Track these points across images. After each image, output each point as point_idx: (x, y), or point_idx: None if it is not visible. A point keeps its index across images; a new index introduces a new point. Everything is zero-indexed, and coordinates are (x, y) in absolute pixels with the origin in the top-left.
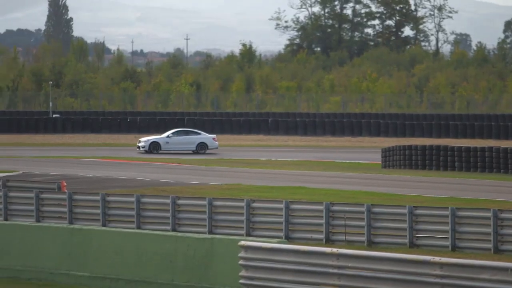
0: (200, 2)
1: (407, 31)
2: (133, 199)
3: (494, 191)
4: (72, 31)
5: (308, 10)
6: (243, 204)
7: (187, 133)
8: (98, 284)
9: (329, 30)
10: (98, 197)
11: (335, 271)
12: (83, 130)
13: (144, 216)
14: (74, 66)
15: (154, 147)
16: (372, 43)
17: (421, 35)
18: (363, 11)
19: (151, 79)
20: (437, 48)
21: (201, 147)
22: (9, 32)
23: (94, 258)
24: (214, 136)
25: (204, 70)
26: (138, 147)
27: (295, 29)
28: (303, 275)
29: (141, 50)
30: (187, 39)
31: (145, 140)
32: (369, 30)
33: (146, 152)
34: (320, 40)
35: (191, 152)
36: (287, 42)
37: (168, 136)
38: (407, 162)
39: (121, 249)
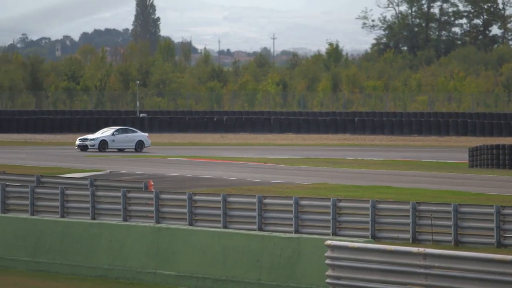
0: (287, 1)
1: (495, 30)
2: (219, 198)
3: None
4: (159, 31)
5: (395, 9)
6: (329, 203)
7: (126, 131)
8: (185, 283)
9: (416, 29)
10: (185, 196)
11: (422, 270)
12: (170, 130)
13: (231, 216)
14: (161, 66)
15: (102, 145)
16: (459, 42)
17: (509, 33)
18: (450, 10)
19: (237, 79)
20: None
21: (139, 145)
22: (97, 32)
23: (181, 257)
24: (147, 134)
25: (291, 69)
26: (81, 145)
27: (382, 28)
28: (390, 274)
29: (228, 50)
30: (273, 38)
31: (92, 138)
32: (457, 29)
33: (95, 150)
34: (407, 39)
35: (132, 150)
36: (374, 41)
37: (112, 134)
38: (494, 162)
39: (207, 248)
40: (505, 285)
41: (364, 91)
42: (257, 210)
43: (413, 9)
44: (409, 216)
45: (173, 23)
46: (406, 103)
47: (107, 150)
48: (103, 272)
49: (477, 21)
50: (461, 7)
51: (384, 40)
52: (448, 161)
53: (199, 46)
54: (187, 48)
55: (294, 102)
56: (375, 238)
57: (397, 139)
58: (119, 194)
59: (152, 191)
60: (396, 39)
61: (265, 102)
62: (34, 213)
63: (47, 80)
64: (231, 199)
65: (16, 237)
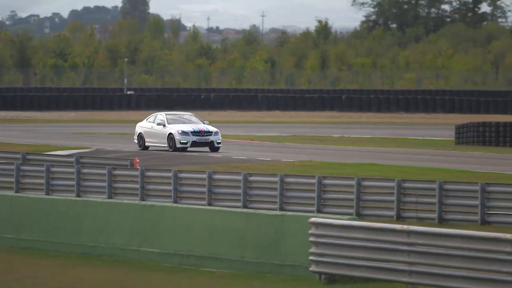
0: None
1: (484, 7)
2: (205, 175)
3: None
4: (149, 8)
5: None
6: (314, 181)
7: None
8: (169, 260)
9: (405, 6)
10: (170, 174)
11: (405, 248)
12: (157, 107)
13: (216, 193)
14: (149, 43)
15: None
16: (448, 20)
17: (498, 11)
18: None
19: (225, 56)
20: None
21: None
22: (86, 9)
23: (165, 234)
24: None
25: (279, 47)
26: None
27: (372, 6)
28: (373, 252)
29: (217, 27)
30: (263, 16)
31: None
32: (446, 7)
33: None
34: (396, 17)
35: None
36: (363, 19)
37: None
38: (480, 139)
39: (192, 226)
40: (486, 262)
41: (352, 68)
42: (242, 187)
43: None
44: (394, 193)
45: (163, 1)
46: (393, 80)
47: None
48: (86, 250)
49: None
50: None
51: (374, 17)
52: (435, 138)
53: (188, 24)
54: (176, 25)
55: (282, 79)
56: (359, 216)
57: (384, 117)
58: (105, 171)
59: (138, 169)
60: (385, 16)
61: (253, 79)
62: (19, 191)
63: (35, 57)
64: (216, 176)
65: (0, 215)
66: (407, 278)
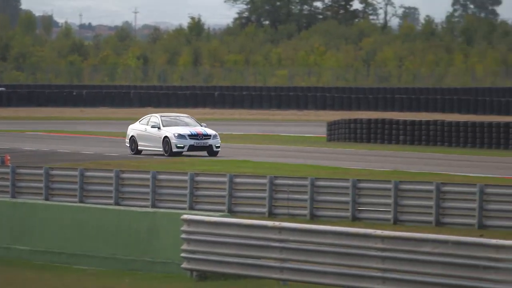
0: None
1: (356, 5)
2: (76, 172)
3: (438, 164)
4: (21, 4)
5: None
6: (187, 177)
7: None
8: (40, 258)
9: (278, 3)
10: (41, 171)
11: (277, 244)
12: (29, 104)
13: (88, 190)
14: (21, 39)
15: None
16: (320, 17)
17: (370, 8)
18: None
19: (98, 53)
20: (385, 22)
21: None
22: None
23: (36, 232)
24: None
25: (152, 43)
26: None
27: (244, 3)
28: (245, 248)
29: (89, 24)
30: (135, 12)
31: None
32: (318, 4)
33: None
34: (269, 14)
35: None
36: (236, 16)
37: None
38: (352, 136)
39: (63, 223)
40: (359, 258)
41: (225, 65)
42: (114, 184)
43: None
44: (266, 190)
45: None
46: (266, 77)
47: None
48: None
49: None
50: None
51: (246, 14)
52: (307, 135)
53: (60, 20)
54: (48, 21)
55: (154, 76)
56: (231, 212)
57: (257, 113)
58: None
59: (9, 166)
60: (258, 13)
61: (125, 76)
62: None
63: None
64: (88, 173)
65: None
66: (278, 275)
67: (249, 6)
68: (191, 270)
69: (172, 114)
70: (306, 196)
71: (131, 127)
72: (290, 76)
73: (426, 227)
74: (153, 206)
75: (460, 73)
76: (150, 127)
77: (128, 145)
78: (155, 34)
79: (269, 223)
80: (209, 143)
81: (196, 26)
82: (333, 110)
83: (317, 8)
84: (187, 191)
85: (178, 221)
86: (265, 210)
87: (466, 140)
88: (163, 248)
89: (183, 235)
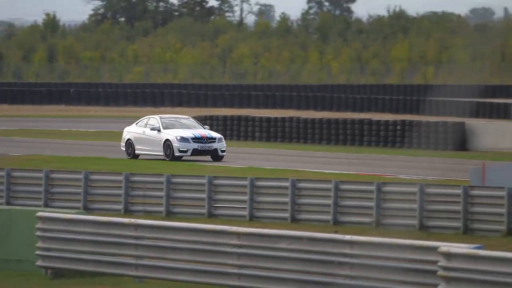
0: None
1: (212, 2)
2: None
3: (293, 160)
4: None
5: None
6: (41, 175)
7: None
8: None
9: (134, 0)
10: None
11: (133, 241)
12: None
13: None
14: None
15: None
16: (177, 14)
17: (226, 5)
18: None
19: None
20: (241, 19)
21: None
22: None
23: None
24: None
25: (6, 40)
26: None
27: None
28: (101, 245)
29: None
30: None
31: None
32: (174, 1)
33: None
34: (125, 10)
35: None
36: (92, 12)
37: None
38: None
39: None
40: (215, 254)
41: (81, 62)
42: None
43: None
44: (122, 187)
45: None
46: (122, 74)
47: None
48: None
49: None
50: None
51: (102, 10)
52: None
53: None
54: None
55: (9, 72)
56: (87, 210)
57: (113, 110)
58: None
59: None
60: (114, 10)
61: None
62: None
63: None
64: None
65: None
66: (134, 272)
67: (104, 2)
68: (46, 268)
69: (173, 116)
70: (162, 193)
71: (127, 129)
72: (146, 73)
73: (282, 223)
74: (8, 203)
75: (315, 70)
76: (149, 129)
77: (124, 149)
78: (9, 30)
79: (125, 220)
80: (214, 147)
81: (51, 22)
82: (189, 107)
83: (173, 5)
84: (41, 188)
85: (33, 218)
86: (121, 207)
87: (322, 136)
88: (18, 246)
89: (38, 233)
